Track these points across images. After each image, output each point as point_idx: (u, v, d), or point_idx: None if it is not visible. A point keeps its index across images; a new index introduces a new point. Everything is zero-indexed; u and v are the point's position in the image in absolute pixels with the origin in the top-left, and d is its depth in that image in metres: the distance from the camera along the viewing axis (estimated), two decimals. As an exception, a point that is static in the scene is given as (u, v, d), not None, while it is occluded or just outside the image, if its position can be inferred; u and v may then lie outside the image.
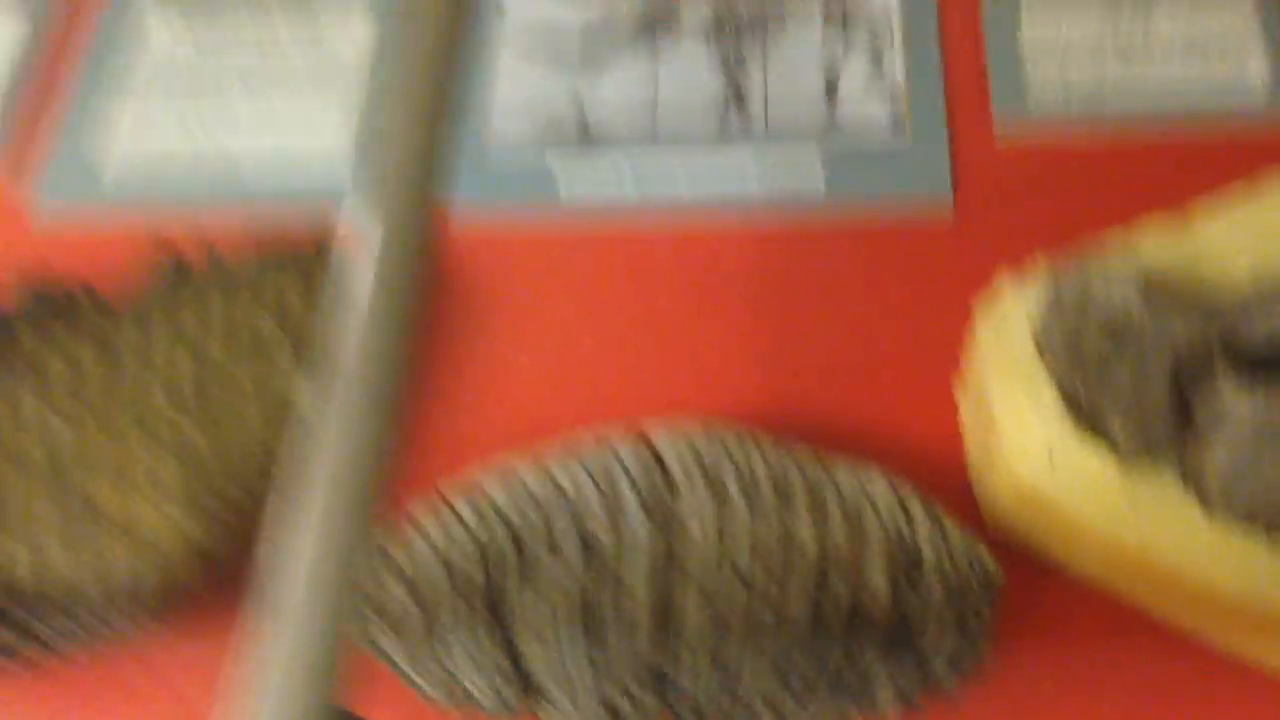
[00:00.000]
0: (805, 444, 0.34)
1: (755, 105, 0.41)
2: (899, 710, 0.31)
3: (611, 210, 0.39)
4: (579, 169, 0.40)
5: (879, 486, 0.31)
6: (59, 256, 0.39)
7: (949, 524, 0.31)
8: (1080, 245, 0.34)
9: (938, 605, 0.30)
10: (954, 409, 0.35)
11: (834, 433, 0.35)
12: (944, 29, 0.42)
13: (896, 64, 0.41)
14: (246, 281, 0.36)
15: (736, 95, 0.41)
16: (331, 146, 0.42)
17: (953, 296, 0.36)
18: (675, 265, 0.38)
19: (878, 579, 0.30)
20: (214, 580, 0.32)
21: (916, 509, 0.31)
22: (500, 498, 0.32)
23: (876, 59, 0.41)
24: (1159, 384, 0.29)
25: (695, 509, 0.30)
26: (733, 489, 0.31)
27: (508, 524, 0.31)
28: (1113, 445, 0.29)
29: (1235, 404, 0.28)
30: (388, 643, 0.30)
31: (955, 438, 0.34)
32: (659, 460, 0.32)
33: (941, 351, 0.35)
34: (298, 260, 0.37)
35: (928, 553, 0.30)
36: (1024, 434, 0.31)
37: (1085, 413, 0.30)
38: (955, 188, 0.38)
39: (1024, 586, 0.32)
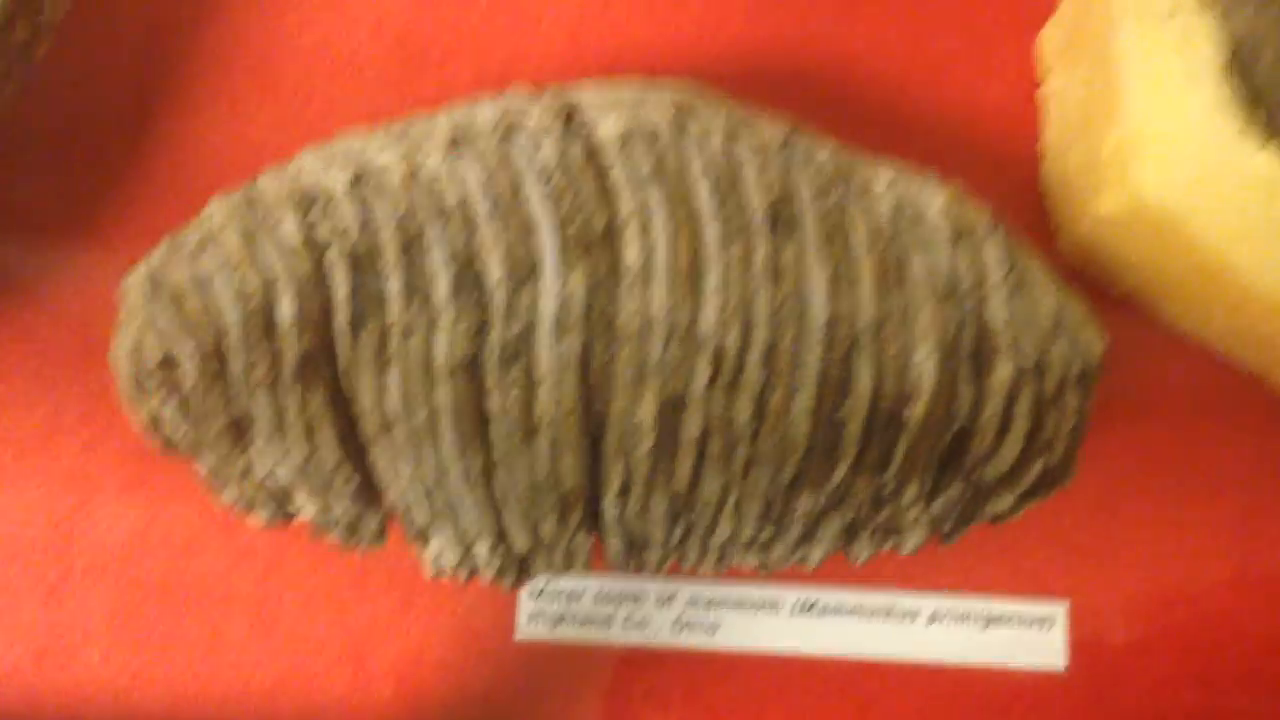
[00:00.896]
0: (821, 131, 0.21)
1: None
2: (934, 546, 0.21)
3: None
4: None
5: (934, 206, 0.20)
6: None
7: (1040, 274, 0.20)
8: None
9: (1013, 407, 0.20)
10: (1030, 84, 0.27)
11: (862, 115, 0.26)
12: None
13: None
14: None
15: None
16: None
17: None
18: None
19: (924, 363, 0.19)
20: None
21: (992, 250, 0.20)
22: (339, 195, 0.20)
23: None
24: None
25: (639, 230, 0.19)
26: (702, 198, 0.19)
27: (346, 242, 0.19)
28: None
29: None
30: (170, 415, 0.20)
31: (1028, 123, 0.26)
32: (588, 147, 0.19)
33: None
34: None
35: (1001, 323, 0.19)
36: (1160, 121, 0.22)
37: (1266, 95, 0.21)
38: None
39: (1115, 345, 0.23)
